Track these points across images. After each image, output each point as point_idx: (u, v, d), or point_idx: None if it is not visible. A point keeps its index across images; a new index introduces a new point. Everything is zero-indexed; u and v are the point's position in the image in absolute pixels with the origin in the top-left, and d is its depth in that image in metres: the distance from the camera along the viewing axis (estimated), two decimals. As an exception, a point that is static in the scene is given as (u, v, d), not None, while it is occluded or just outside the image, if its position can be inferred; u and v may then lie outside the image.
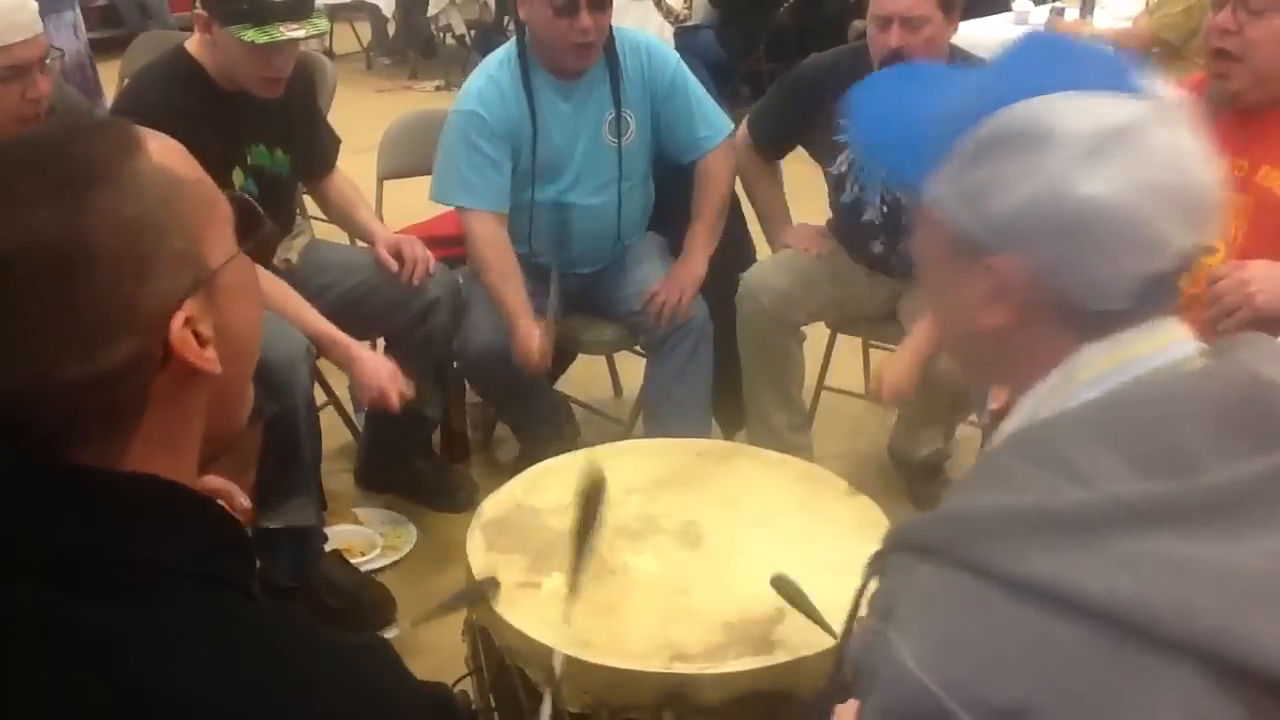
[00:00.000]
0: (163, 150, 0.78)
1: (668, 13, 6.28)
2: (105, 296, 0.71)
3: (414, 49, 8.19)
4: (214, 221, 0.79)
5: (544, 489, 1.94)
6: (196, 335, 0.75)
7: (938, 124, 0.86)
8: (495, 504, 1.91)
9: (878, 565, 0.79)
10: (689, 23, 6.31)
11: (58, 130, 0.78)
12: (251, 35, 2.21)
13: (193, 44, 2.35)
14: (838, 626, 1.58)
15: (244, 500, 1.01)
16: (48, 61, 1.98)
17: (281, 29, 2.22)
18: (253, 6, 2.21)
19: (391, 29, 8.38)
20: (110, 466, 0.74)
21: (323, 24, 2.35)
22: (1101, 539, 0.68)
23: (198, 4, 2.27)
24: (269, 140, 2.43)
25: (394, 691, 0.75)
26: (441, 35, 8.30)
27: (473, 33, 8.14)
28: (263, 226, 0.82)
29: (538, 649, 1.56)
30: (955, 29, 2.53)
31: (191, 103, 2.28)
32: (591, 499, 1.57)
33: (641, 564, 1.76)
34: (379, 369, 2.34)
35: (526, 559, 1.76)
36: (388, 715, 0.73)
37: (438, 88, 7.60)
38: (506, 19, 8.60)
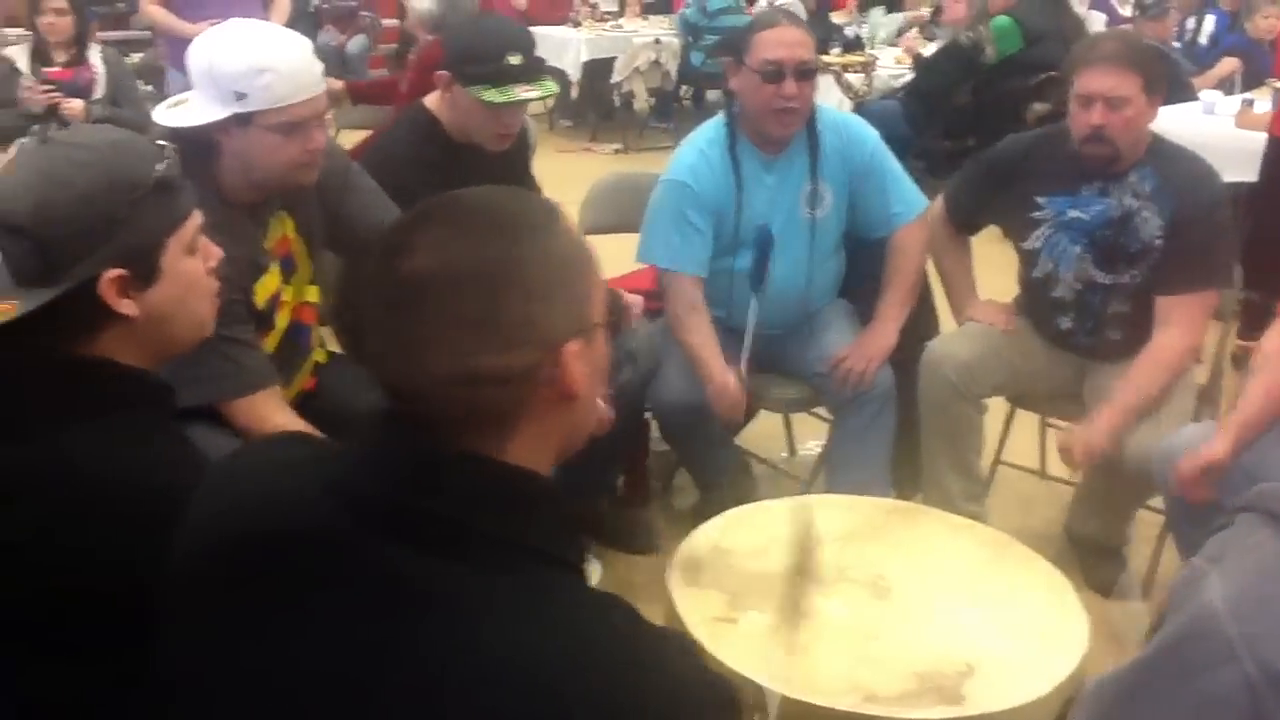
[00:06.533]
0: (573, 225, 0.95)
1: (847, 88, 6.42)
2: (520, 311, 0.88)
3: (595, 113, 8.50)
4: (597, 288, 0.96)
5: (737, 534, 2.03)
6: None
7: None
8: (691, 545, 2.00)
9: (1228, 518, 0.85)
10: (868, 99, 6.43)
11: (499, 191, 0.97)
12: (490, 95, 2.44)
13: (432, 100, 2.61)
14: (1030, 688, 1.64)
15: None
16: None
17: (516, 90, 2.45)
18: (493, 70, 2.45)
19: (574, 93, 8.73)
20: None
21: (552, 85, 2.56)
22: None
23: (442, 66, 2.51)
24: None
25: (695, 680, 0.87)
26: (622, 101, 8.62)
27: (652, 100, 8.42)
28: (622, 312, 0.99)
29: (737, 680, 1.65)
30: (1156, 113, 2.58)
31: (429, 154, 2.54)
32: (806, 538, 1.69)
33: (832, 610, 1.83)
34: None
35: (724, 596, 1.85)
36: (687, 701, 0.85)
37: (616, 151, 7.87)
38: (684, 88, 8.90)
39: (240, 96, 1.95)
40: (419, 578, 0.83)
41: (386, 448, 0.90)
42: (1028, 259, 2.76)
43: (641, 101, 8.56)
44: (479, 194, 0.97)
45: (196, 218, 1.33)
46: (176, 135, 1.91)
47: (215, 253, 1.38)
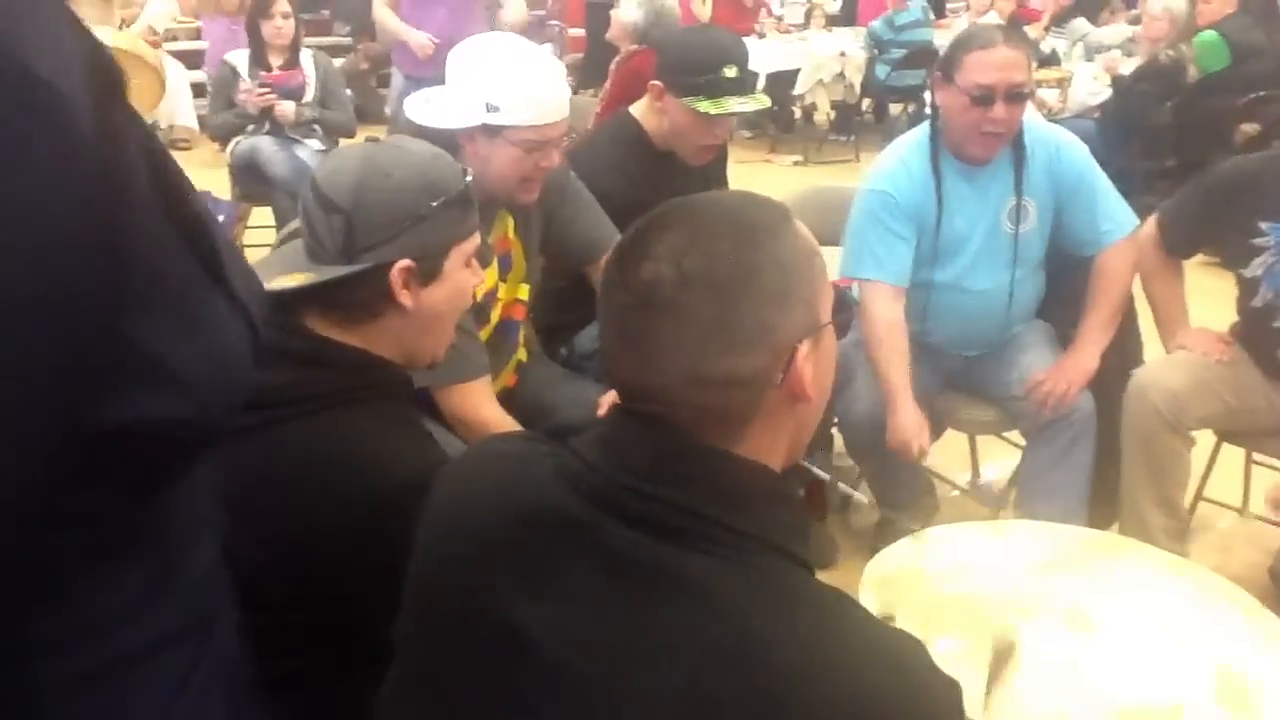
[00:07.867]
0: (801, 226, 0.96)
1: (1040, 105, 6.24)
2: (754, 315, 0.89)
3: (775, 124, 8.49)
4: (824, 287, 0.96)
5: (930, 555, 2.00)
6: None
7: None
8: (882, 562, 1.98)
9: None
10: (1062, 116, 6.24)
11: (734, 195, 0.98)
12: (705, 106, 2.50)
13: (638, 109, 2.66)
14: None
15: None
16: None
17: (730, 102, 2.50)
18: (709, 82, 2.49)
19: (756, 104, 8.72)
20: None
21: (764, 98, 2.59)
22: None
23: (656, 76, 2.56)
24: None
25: (925, 680, 0.86)
26: (803, 113, 8.57)
27: (833, 113, 8.35)
28: (846, 311, 0.99)
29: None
30: (1399, 140, 2.43)
31: (631, 161, 2.60)
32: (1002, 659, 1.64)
33: (1028, 639, 1.78)
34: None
35: (916, 617, 1.82)
36: (916, 697, 0.84)
37: (795, 163, 7.84)
38: (865, 101, 8.80)
39: (493, 109, 2.03)
40: (656, 562, 0.85)
41: (621, 440, 0.92)
42: (1247, 287, 2.65)
43: (823, 114, 8.52)
44: (714, 199, 0.98)
45: (477, 238, 1.45)
46: (421, 131, 2.00)
47: (480, 275, 1.48)
